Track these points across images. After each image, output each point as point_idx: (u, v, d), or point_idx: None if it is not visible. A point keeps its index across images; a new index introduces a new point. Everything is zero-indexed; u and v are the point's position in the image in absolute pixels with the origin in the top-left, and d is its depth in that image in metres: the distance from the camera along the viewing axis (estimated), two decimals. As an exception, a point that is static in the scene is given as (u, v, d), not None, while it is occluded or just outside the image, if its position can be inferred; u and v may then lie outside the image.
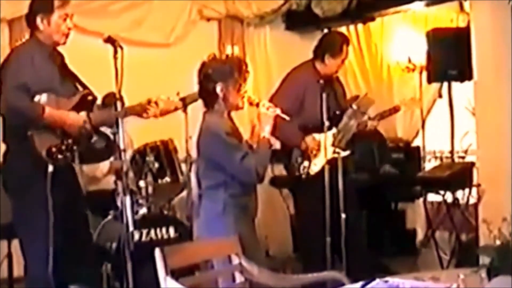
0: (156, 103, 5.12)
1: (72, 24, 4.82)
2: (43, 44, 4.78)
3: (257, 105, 4.43)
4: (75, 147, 4.69)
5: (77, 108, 4.75)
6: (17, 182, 4.71)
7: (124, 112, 4.80)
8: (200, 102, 5.76)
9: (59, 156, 4.60)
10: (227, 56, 4.65)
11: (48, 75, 4.72)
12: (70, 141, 4.67)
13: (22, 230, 4.79)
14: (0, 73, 4.67)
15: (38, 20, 4.75)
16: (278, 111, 4.45)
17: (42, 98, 4.61)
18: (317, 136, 5.83)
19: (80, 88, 4.90)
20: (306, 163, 5.88)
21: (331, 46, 6.03)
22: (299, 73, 6.14)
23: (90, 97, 4.87)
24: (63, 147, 4.63)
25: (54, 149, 4.58)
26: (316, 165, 5.80)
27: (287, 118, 4.58)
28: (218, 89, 4.31)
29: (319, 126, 5.56)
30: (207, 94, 4.40)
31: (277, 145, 5.82)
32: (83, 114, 4.73)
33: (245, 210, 4.41)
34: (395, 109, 6.04)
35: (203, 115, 4.46)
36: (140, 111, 5.09)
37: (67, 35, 4.79)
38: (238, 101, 4.37)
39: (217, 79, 4.32)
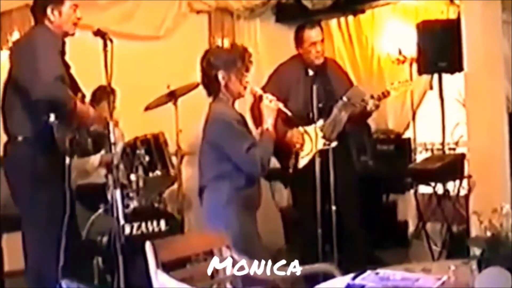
0: None
1: (80, 14, 4.85)
2: (56, 35, 4.78)
3: (260, 97, 4.48)
4: (87, 142, 4.76)
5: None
6: (26, 173, 4.66)
7: None
8: (190, 95, 5.80)
9: (77, 149, 4.68)
10: (231, 45, 4.70)
11: (62, 66, 4.74)
12: (85, 134, 4.73)
13: (31, 223, 4.79)
14: (13, 54, 4.77)
15: (49, 11, 4.76)
16: (280, 104, 4.50)
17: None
18: (301, 128, 5.83)
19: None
20: (294, 156, 5.89)
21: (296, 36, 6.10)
22: (286, 67, 6.18)
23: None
24: (81, 140, 4.70)
25: (74, 141, 4.64)
26: (303, 158, 5.81)
27: (288, 113, 4.62)
28: (220, 76, 4.37)
29: (304, 119, 5.60)
30: (209, 82, 4.46)
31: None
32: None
33: (249, 201, 4.46)
34: (384, 95, 5.95)
35: (209, 105, 4.50)
36: None
37: (76, 25, 4.83)
38: (241, 90, 4.42)
39: (219, 67, 4.38)
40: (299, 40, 6.03)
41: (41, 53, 4.56)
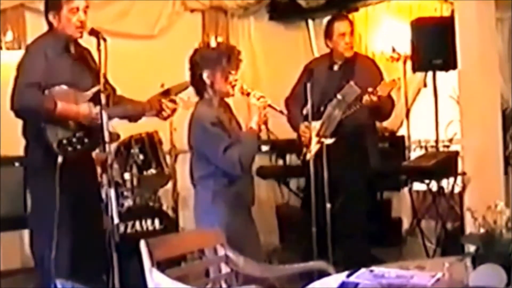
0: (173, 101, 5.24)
1: (85, 17, 4.82)
2: (58, 38, 4.82)
3: (248, 95, 4.45)
4: (86, 140, 4.75)
5: (92, 101, 4.77)
6: (33, 174, 4.92)
7: (140, 111, 5.09)
8: (183, 94, 5.79)
9: (69, 148, 4.67)
10: (218, 43, 4.68)
11: (62, 68, 4.77)
12: (81, 133, 4.73)
13: (33, 222, 4.93)
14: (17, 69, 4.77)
15: (50, 17, 4.82)
16: (269, 101, 4.47)
17: (55, 91, 4.66)
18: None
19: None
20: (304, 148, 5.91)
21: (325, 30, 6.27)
22: (313, 62, 6.39)
23: (106, 92, 4.86)
24: (74, 140, 4.70)
25: (65, 141, 4.66)
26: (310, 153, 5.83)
27: (277, 108, 4.60)
28: (205, 76, 4.37)
29: (318, 113, 5.66)
30: (196, 82, 4.46)
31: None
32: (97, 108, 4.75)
33: (239, 199, 4.43)
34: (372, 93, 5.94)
35: (195, 104, 4.49)
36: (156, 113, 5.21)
37: (81, 28, 4.78)
38: (228, 89, 4.40)
39: (203, 66, 4.38)
40: (329, 33, 6.17)
41: (24, 61, 4.75)
